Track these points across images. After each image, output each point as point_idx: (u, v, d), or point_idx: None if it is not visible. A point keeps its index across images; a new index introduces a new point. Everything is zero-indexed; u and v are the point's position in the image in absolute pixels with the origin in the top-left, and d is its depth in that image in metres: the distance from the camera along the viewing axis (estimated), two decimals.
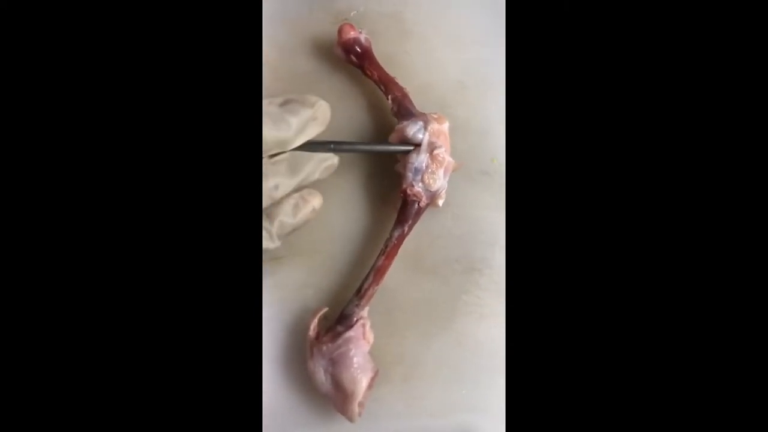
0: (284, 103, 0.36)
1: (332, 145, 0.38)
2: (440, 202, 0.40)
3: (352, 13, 0.45)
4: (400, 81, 0.42)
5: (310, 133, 0.37)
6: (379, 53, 0.43)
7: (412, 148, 0.39)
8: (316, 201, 0.38)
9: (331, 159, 0.38)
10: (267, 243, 0.36)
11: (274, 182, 0.35)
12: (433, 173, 0.38)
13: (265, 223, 0.36)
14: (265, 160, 0.35)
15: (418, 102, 0.42)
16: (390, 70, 0.42)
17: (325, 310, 0.39)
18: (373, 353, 0.39)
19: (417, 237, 0.41)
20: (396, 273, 0.40)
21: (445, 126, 0.40)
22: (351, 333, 0.36)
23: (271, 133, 0.34)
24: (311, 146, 0.37)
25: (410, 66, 0.45)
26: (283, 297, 0.41)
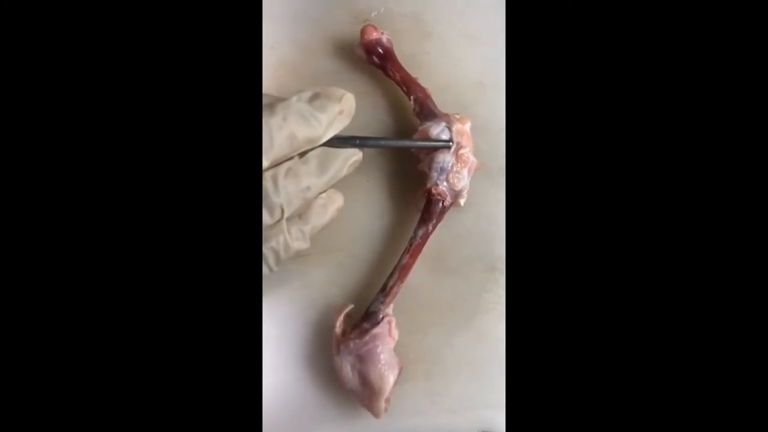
0: (312, 99, 0.36)
1: (358, 141, 0.38)
2: (462, 202, 0.41)
3: (372, 14, 0.46)
4: (420, 81, 0.42)
5: (338, 128, 0.37)
6: (399, 53, 0.44)
7: (440, 142, 0.39)
8: (339, 200, 0.39)
9: (357, 155, 0.38)
10: (301, 244, 0.36)
11: (307, 183, 0.35)
12: (458, 173, 0.39)
13: (300, 225, 0.36)
14: (296, 159, 0.36)
15: (438, 101, 0.42)
16: (410, 70, 0.43)
17: (351, 307, 0.40)
18: (396, 350, 0.39)
19: (438, 236, 0.41)
20: (418, 271, 0.41)
21: (468, 126, 0.40)
22: (377, 330, 0.37)
23: (302, 131, 0.34)
24: (337, 142, 0.37)
25: (430, 66, 0.45)
26: (308, 294, 0.41)
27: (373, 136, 0.42)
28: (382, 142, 0.42)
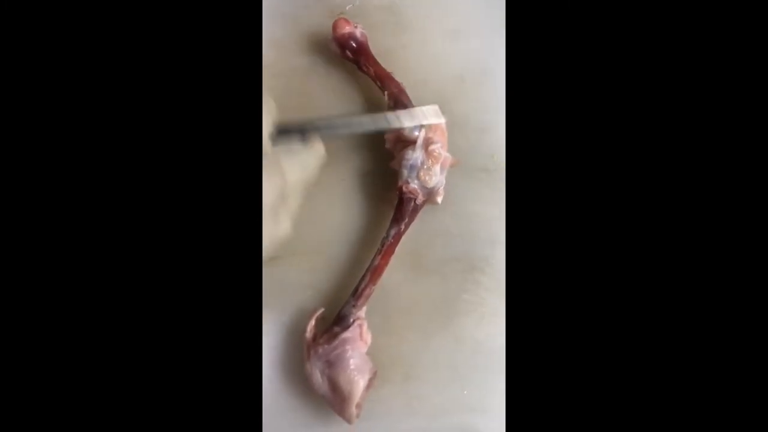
0: None
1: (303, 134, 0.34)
2: (439, 199, 0.39)
3: (347, 7, 0.45)
4: (397, 76, 0.41)
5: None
6: (376, 47, 0.42)
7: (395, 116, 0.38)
8: None
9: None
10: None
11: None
12: (429, 170, 0.38)
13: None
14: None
15: (415, 97, 0.41)
16: (387, 64, 0.42)
17: (322, 310, 0.39)
18: (371, 353, 0.38)
19: (416, 235, 0.40)
20: (395, 272, 0.40)
21: (442, 121, 0.39)
22: (347, 334, 0.36)
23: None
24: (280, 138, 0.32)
25: (407, 60, 0.44)
26: (281, 298, 0.40)
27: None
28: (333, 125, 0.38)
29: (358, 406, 0.36)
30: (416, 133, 0.38)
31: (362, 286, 0.37)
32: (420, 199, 0.38)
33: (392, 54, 0.44)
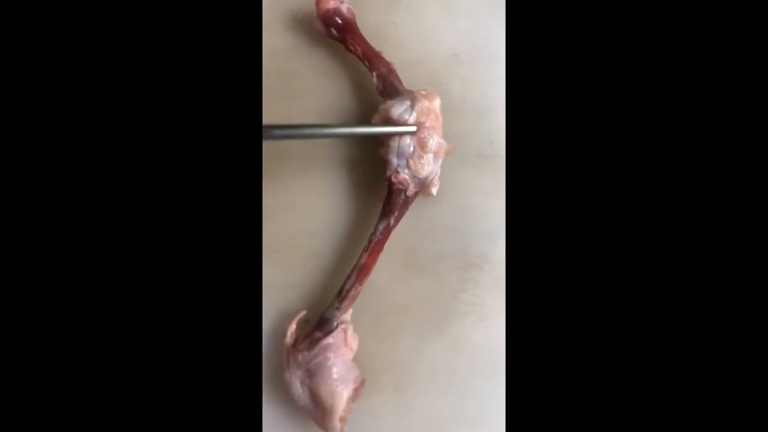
0: None
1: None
2: (434, 191, 0.36)
3: None
4: (387, 55, 0.38)
5: None
6: (363, 25, 0.39)
7: (401, 129, 0.34)
8: None
9: None
10: None
11: None
12: (420, 158, 0.34)
13: None
14: None
15: (408, 78, 0.37)
16: (376, 43, 0.38)
17: (304, 313, 0.35)
18: (360, 359, 0.35)
19: (408, 230, 0.37)
20: (386, 270, 0.37)
21: (436, 103, 0.35)
22: (330, 340, 0.33)
23: None
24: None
25: (399, 39, 0.40)
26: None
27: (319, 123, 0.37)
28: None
29: (342, 419, 0.33)
30: (406, 117, 0.34)
31: (347, 286, 0.34)
32: (411, 190, 0.34)
33: (382, 32, 0.40)
